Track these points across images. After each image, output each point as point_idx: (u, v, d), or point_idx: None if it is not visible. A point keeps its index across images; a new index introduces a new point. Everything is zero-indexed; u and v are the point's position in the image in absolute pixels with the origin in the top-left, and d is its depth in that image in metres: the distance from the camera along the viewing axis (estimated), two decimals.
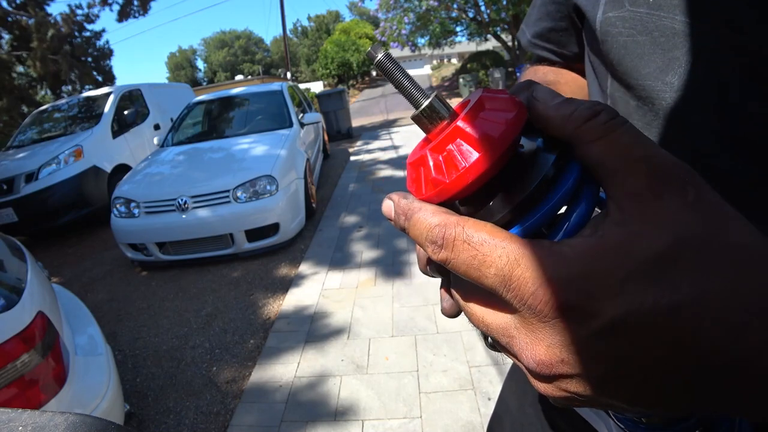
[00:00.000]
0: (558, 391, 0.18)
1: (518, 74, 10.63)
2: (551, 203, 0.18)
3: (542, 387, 0.18)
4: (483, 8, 13.07)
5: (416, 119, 0.21)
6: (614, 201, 0.17)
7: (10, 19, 9.39)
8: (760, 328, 0.14)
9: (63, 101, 5.82)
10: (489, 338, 0.21)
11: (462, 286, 0.20)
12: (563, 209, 0.19)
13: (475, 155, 0.18)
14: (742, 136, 0.29)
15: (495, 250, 0.17)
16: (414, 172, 0.21)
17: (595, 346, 0.16)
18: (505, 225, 0.18)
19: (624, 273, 0.15)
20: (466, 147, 0.18)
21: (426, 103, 0.20)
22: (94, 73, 11.57)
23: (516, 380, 0.59)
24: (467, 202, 0.22)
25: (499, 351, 0.21)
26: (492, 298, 0.18)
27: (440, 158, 0.19)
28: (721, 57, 0.28)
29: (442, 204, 0.20)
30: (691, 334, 0.15)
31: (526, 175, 0.19)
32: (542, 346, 0.17)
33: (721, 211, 0.16)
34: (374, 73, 36.89)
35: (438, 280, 0.25)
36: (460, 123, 0.18)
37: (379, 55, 0.21)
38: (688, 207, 0.15)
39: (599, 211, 0.19)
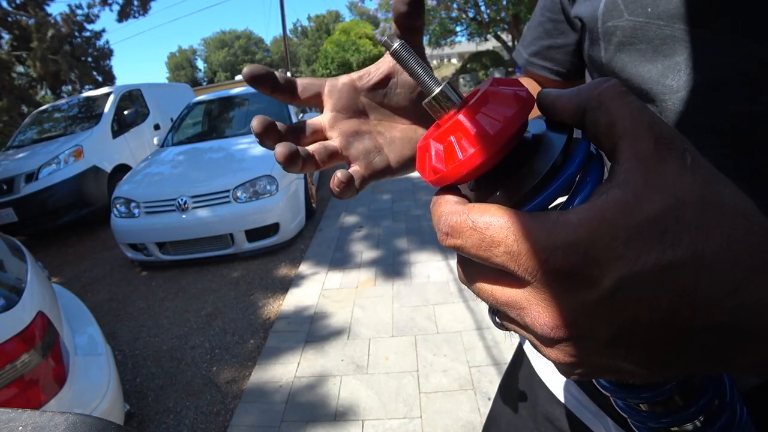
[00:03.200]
0: (568, 357, 0.18)
1: (518, 74, 10.63)
2: (560, 180, 0.19)
3: (553, 354, 0.19)
4: (483, 8, 13.07)
5: (428, 106, 0.22)
6: (620, 163, 0.17)
7: (10, 19, 9.39)
8: (755, 284, 0.15)
9: (63, 101, 5.82)
10: (497, 317, 0.22)
11: (469, 266, 0.21)
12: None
13: (470, 150, 0.19)
14: (740, 136, 0.29)
15: (501, 230, 0.17)
16: (421, 156, 0.22)
17: (604, 308, 0.16)
18: (517, 204, 0.19)
19: (627, 233, 0.16)
20: (464, 141, 0.19)
21: (437, 90, 0.21)
22: (94, 73, 11.58)
23: (511, 383, 0.59)
24: (479, 186, 0.23)
25: (507, 330, 0.22)
26: (500, 274, 0.19)
27: (441, 148, 0.20)
28: (719, 61, 0.29)
29: (452, 185, 0.22)
30: (691, 292, 0.15)
31: (536, 157, 0.20)
32: (553, 313, 0.17)
33: (716, 176, 0.17)
34: None
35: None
36: (460, 117, 0.19)
37: (395, 45, 0.22)
38: (687, 171, 0.16)
39: None
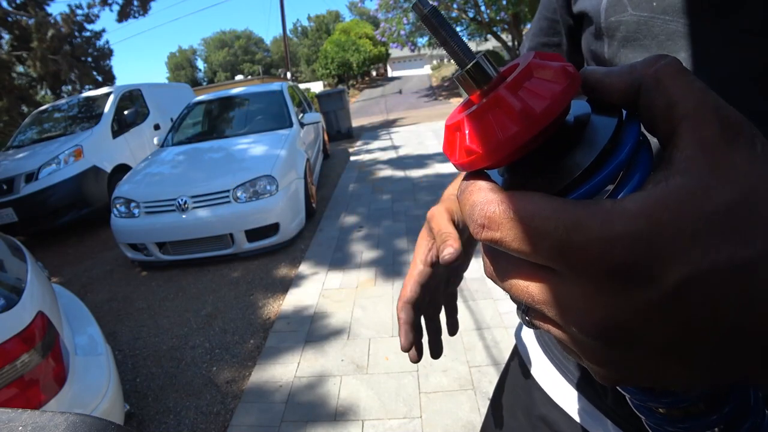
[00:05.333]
0: (612, 362, 0.17)
1: None
2: (611, 167, 0.17)
3: (594, 358, 0.17)
4: (483, 8, 13.07)
5: (460, 79, 0.20)
6: (681, 149, 0.15)
7: (10, 19, 9.39)
8: None
9: (63, 101, 5.82)
10: (528, 315, 0.20)
11: (503, 259, 0.19)
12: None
13: (513, 129, 0.17)
14: None
15: (548, 221, 0.15)
16: (450, 136, 0.20)
17: (664, 310, 0.14)
18: (560, 193, 0.17)
19: (693, 227, 0.14)
20: (505, 118, 0.17)
21: (471, 63, 0.19)
22: (94, 73, 11.57)
23: (507, 385, 0.59)
24: (512, 171, 0.21)
25: (537, 327, 0.20)
26: (539, 268, 0.17)
27: (477, 126, 0.18)
28: (724, 59, 0.29)
29: (482, 170, 0.20)
30: (765, 292, 0.14)
31: (582, 141, 0.18)
32: (602, 313, 0.15)
33: None
34: (374, 73, 36.87)
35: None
36: (502, 91, 0.17)
37: (426, 10, 0.20)
38: (757, 159, 0.15)
39: None
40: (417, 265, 0.43)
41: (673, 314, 0.14)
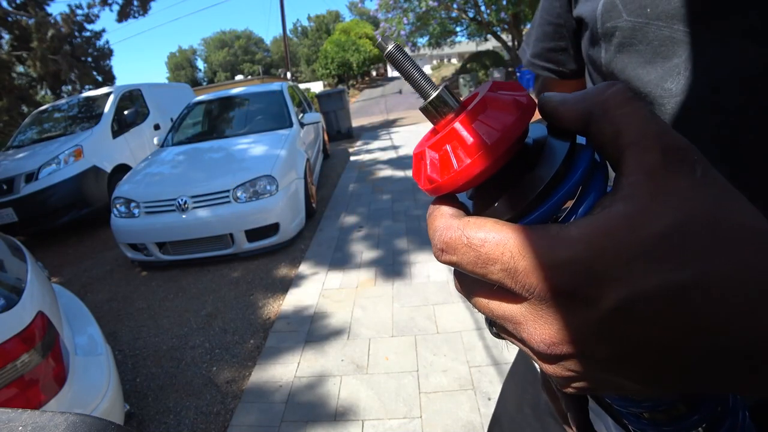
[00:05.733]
0: (566, 372, 0.18)
1: (518, 74, 10.63)
2: (561, 192, 0.18)
3: (551, 369, 0.18)
4: (483, 8, 13.07)
5: (424, 111, 0.21)
6: (625, 176, 0.16)
7: (10, 19, 9.39)
8: None
9: (63, 101, 5.82)
10: (494, 326, 0.21)
11: (466, 279, 0.20)
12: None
13: (467, 160, 0.18)
14: (739, 141, 0.29)
15: (497, 247, 0.17)
16: (416, 164, 0.21)
17: (602, 328, 0.16)
18: (516, 217, 0.18)
19: (631, 252, 0.15)
20: (459, 150, 0.18)
21: (434, 95, 0.20)
22: (94, 73, 11.57)
23: (515, 382, 0.59)
24: (478, 194, 0.22)
25: (503, 338, 0.21)
26: (497, 289, 0.18)
27: (437, 157, 0.19)
28: (718, 64, 0.29)
29: (451, 193, 0.21)
30: (698, 315, 0.14)
31: (538, 164, 0.19)
32: (550, 330, 0.17)
33: (728, 191, 0.16)
34: (374, 73, 36.88)
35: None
36: (456, 125, 0.19)
37: (389, 47, 0.21)
38: (697, 185, 0.15)
39: None
40: None
41: (612, 333, 0.16)
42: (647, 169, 0.16)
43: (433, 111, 0.21)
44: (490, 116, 0.18)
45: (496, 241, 0.17)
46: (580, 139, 0.20)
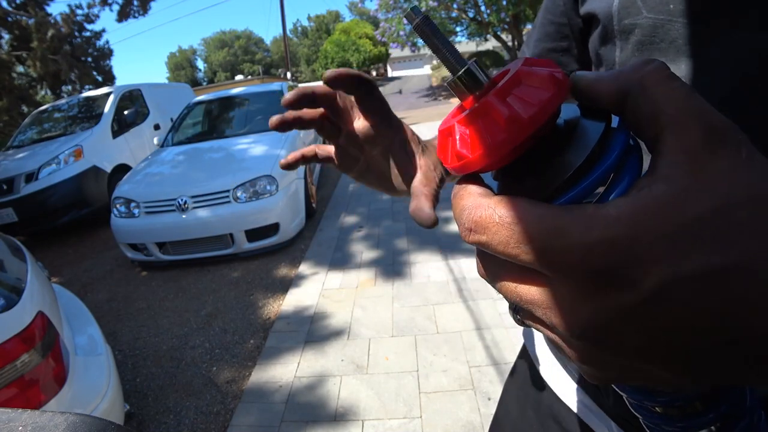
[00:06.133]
0: (595, 361, 0.17)
1: None
2: (597, 173, 0.17)
3: (581, 356, 0.17)
4: (483, 8, 13.07)
5: (452, 85, 0.20)
6: (665, 155, 0.15)
7: (10, 19, 9.39)
8: None
9: (63, 101, 5.82)
10: (518, 313, 0.21)
11: (492, 262, 0.19)
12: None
13: (501, 135, 0.17)
14: (765, 138, 0.28)
15: (531, 226, 0.16)
16: (443, 141, 0.21)
17: (642, 312, 0.15)
18: (548, 197, 0.17)
19: (671, 233, 0.14)
20: (494, 124, 0.18)
21: (463, 70, 0.20)
22: (94, 73, 11.58)
23: (516, 384, 0.59)
24: (505, 174, 0.21)
25: (528, 325, 0.20)
26: (526, 270, 0.17)
27: (467, 132, 0.19)
28: (743, 60, 0.28)
29: (475, 173, 0.20)
30: (741, 299, 0.14)
31: (571, 145, 0.18)
32: (584, 314, 0.16)
33: None
34: (374, 73, 36.88)
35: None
36: (491, 98, 0.18)
37: (418, 19, 0.20)
38: (740, 165, 0.15)
39: None
40: None
41: (651, 318, 0.15)
42: (689, 149, 0.15)
43: (461, 86, 0.20)
44: (525, 90, 0.17)
45: (531, 219, 0.16)
46: (613, 122, 0.19)
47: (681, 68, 0.31)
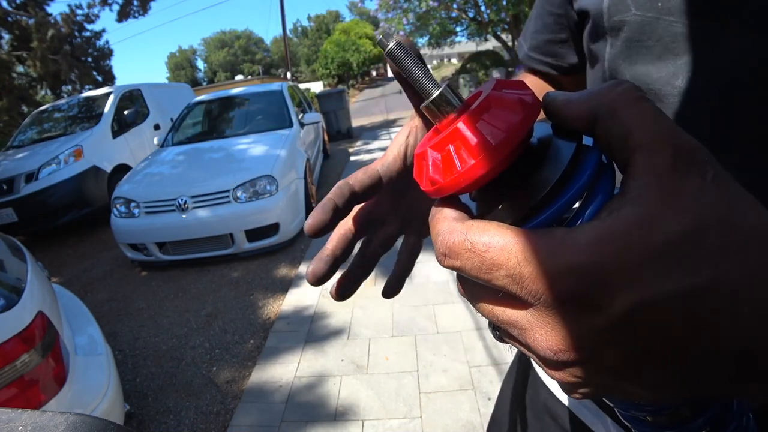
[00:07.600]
0: (572, 378, 0.17)
1: (518, 72, 10.62)
2: (568, 196, 0.17)
3: (557, 375, 0.18)
4: (483, 8, 13.07)
5: (426, 110, 0.20)
6: (635, 178, 0.16)
7: (10, 19, 9.39)
8: None
9: (63, 101, 5.82)
10: (497, 330, 0.21)
11: (470, 283, 0.20)
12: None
13: (470, 161, 0.18)
14: (749, 137, 0.28)
15: (501, 253, 0.16)
16: (418, 165, 0.21)
17: (612, 334, 0.15)
18: (520, 220, 0.18)
19: (640, 258, 0.14)
20: (463, 151, 0.18)
21: (436, 93, 0.20)
22: (94, 73, 11.57)
23: (513, 383, 0.59)
24: (481, 196, 0.21)
25: (507, 342, 0.21)
26: (502, 294, 0.18)
27: (439, 157, 0.19)
28: (729, 60, 0.28)
29: (453, 195, 0.20)
30: (711, 319, 0.14)
31: (544, 165, 0.18)
32: (557, 336, 0.16)
33: (740, 192, 0.15)
34: (374, 73, 36.89)
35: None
36: (460, 125, 0.18)
37: (391, 44, 0.21)
38: (708, 188, 0.15)
39: None
40: (387, 155, 0.33)
41: (621, 340, 0.15)
42: (657, 171, 0.15)
43: (434, 110, 0.20)
44: (494, 116, 0.18)
45: (501, 245, 0.16)
46: (587, 140, 0.19)
47: (668, 66, 0.31)
